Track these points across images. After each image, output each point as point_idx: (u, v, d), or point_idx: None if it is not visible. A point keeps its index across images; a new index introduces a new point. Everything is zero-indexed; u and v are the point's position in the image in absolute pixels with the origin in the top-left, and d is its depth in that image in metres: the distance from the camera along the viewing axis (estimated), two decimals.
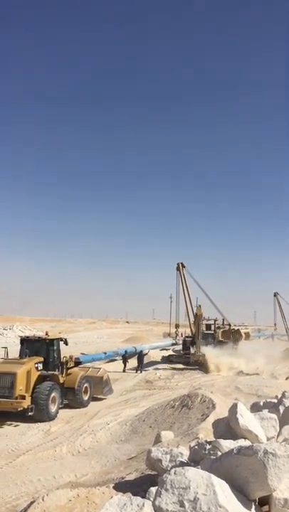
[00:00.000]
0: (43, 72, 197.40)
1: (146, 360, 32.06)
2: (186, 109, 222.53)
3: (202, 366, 31.42)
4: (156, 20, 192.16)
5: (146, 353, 33.82)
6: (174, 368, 31.19)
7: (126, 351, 32.62)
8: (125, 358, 30.45)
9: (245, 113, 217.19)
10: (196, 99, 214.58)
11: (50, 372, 17.29)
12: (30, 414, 15.50)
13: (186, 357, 33.60)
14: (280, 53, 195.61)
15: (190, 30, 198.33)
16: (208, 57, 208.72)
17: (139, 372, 28.51)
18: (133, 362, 30.61)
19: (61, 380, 17.74)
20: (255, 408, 8.95)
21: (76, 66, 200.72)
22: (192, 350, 33.73)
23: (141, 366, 29.20)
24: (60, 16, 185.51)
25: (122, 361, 30.21)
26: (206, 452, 5.31)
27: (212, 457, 4.80)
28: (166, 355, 36.61)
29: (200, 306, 35.67)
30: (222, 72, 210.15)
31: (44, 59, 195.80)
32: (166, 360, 34.73)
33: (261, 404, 9.25)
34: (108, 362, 31.71)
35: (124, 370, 29.03)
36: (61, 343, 18.74)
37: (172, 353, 37.31)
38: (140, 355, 30.43)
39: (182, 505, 3.64)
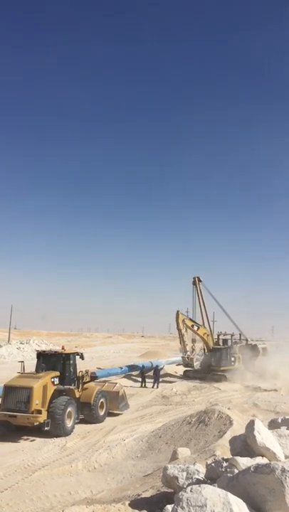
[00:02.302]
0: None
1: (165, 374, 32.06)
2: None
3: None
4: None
5: (162, 368, 33.66)
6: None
7: (143, 366, 32.50)
8: (143, 373, 30.28)
9: None
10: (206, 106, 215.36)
11: (66, 386, 17.28)
12: (46, 428, 15.47)
13: (206, 372, 33.35)
14: None
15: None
16: None
17: (155, 387, 28.30)
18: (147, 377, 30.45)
19: (77, 395, 17.71)
20: (273, 425, 8.83)
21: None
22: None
23: (157, 382, 28.97)
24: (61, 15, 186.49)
25: (140, 376, 30.04)
26: (223, 470, 5.25)
27: (229, 475, 4.74)
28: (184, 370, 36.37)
29: (178, 311, 35.45)
30: None
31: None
32: (183, 375, 34.47)
33: (279, 421, 9.12)
34: (124, 377, 31.61)
35: (142, 386, 28.81)
36: (77, 357, 18.74)
37: (189, 368, 37.01)
38: (156, 370, 30.25)
39: None
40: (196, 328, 35.83)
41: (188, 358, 35.62)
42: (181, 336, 35.68)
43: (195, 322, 36.19)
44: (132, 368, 33.62)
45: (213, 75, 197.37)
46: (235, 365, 33.76)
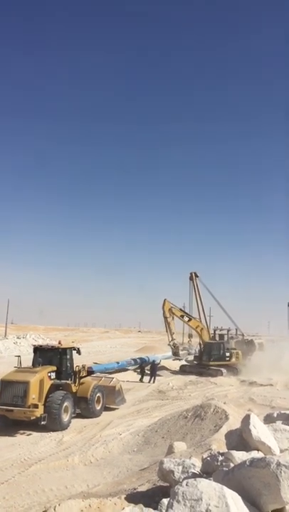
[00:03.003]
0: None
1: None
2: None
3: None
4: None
5: (159, 363, 33.74)
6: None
7: (142, 361, 32.61)
8: (142, 367, 30.28)
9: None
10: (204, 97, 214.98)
11: (62, 381, 17.30)
12: (42, 423, 15.50)
13: (201, 367, 33.43)
14: None
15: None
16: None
17: (152, 382, 28.36)
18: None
19: (74, 390, 17.73)
20: (268, 419, 8.87)
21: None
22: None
23: (154, 376, 29.02)
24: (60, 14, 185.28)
25: (139, 371, 30.11)
26: (219, 464, 5.28)
27: (224, 469, 4.77)
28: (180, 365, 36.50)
29: (165, 299, 35.99)
30: None
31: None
32: (180, 370, 34.55)
33: (275, 415, 9.17)
34: (121, 371, 31.67)
35: (141, 380, 28.82)
36: (74, 352, 18.75)
37: (185, 363, 37.15)
38: (153, 365, 30.31)
39: None
40: (186, 319, 36.03)
41: (174, 345, 36.23)
42: (167, 324, 36.09)
43: (186, 313, 36.37)
44: (140, 360, 33.85)
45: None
46: (230, 361, 33.56)
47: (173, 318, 36.03)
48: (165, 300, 35.92)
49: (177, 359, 37.05)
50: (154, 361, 31.95)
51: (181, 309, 36.58)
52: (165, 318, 36.03)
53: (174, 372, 33.96)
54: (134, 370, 31.93)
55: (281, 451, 5.79)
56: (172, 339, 36.07)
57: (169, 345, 37.08)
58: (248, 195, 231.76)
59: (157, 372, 30.21)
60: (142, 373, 29.49)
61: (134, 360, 34.29)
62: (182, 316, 36.21)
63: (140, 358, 34.88)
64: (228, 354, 33.96)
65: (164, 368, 34.88)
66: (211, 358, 33.98)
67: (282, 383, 27.82)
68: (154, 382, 28.32)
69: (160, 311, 36.73)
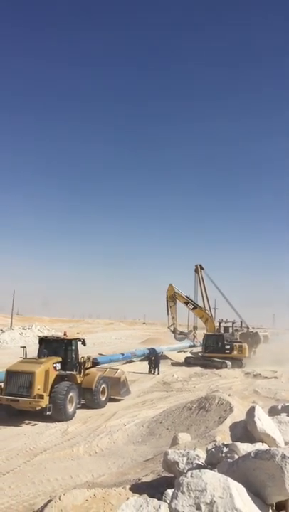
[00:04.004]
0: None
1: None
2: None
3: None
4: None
5: (161, 354, 33.89)
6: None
7: (150, 352, 32.72)
8: (150, 359, 30.25)
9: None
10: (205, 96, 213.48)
11: (68, 372, 17.39)
12: (48, 413, 15.62)
13: (205, 359, 33.46)
14: None
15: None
16: None
17: (156, 373, 28.42)
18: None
19: (79, 381, 17.82)
20: (273, 412, 8.88)
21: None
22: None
23: (157, 368, 29.05)
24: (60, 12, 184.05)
25: (148, 362, 30.08)
26: (223, 455, 5.28)
27: (229, 460, 4.78)
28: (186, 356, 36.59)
29: (171, 284, 36.90)
30: None
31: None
32: (184, 362, 34.63)
33: (279, 407, 9.17)
34: (126, 363, 31.79)
35: (150, 372, 28.78)
36: (79, 343, 18.82)
37: (190, 355, 37.24)
38: (156, 357, 30.37)
39: (198, 507, 3.63)
40: (191, 306, 36.34)
41: (174, 330, 37.40)
42: (169, 308, 36.82)
43: (192, 301, 36.58)
44: (152, 351, 34.12)
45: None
46: (231, 354, 33.37)
47: (175, 303, 36.55)
48: (171, 285, 36.54)
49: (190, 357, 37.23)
50: (156, 352, 32.06)
51: (187, 296, 36.82)
52: (168, 302, 36.71)
53: (179, 364, 34.04)
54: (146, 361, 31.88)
55: (286, 443, 5.79)
56: (173, 324, 37.02)
57: (168, 328, 37.98)
58: (254, 191, 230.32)
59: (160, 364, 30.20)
60: (151, 365, 29.43)
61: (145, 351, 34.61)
62: (186, 303, 36.51)
63: (151, 349, 35.18)
64: (228, 347, 33.80)
65: (168, 358, 35.12)
66: (210, 349, 34.13)
67: (287, 376, 27.82)
68: (158, 373, 28.36)
69: (165, 302, 37.12)
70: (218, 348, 33.84)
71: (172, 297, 36.56)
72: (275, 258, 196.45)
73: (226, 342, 34.11)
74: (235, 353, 33.43)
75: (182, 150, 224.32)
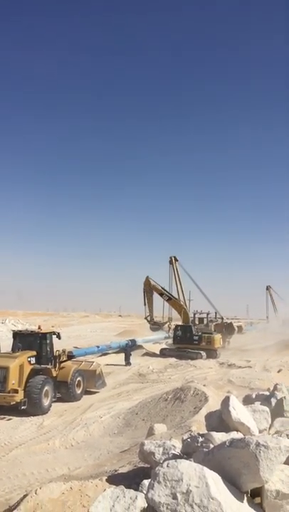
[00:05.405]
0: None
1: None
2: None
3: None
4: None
5: (132, 346, 34.10)
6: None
7: (127, 344, 32.81)
8: (126, 351, 30.28)
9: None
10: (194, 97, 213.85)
11: (43, 366, 17.27)
12: (23, 408, 15.50)
13: (180, 350, 33.68)
14: None
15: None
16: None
17: (127, 365, 28.45)
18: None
19: (54, 374, 17.74)
20: (247, 401, 9.03)
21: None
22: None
23: (128, 359, 29.04)
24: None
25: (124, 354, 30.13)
26: (199, 445, 5.33)
27: (204, 450, 4.82)
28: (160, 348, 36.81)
29: (148, 276, 37.44)
30: None
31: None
32: (160, 353, 34.82)
33: (253, 396, 9.34)
34: (101, 355, 31.76)
35: (127, 364, 28.79)
36: (54, 336, 18.71)
37: (165, 346, 37.50)
38: (127, 348, 30.48)
39: (175, 497, 3.66)
40: (166, 298, 36.72)
41: (151, 320, 37.85)
42: (146, 298, 37.29)
43: (167, 292, 36.93)
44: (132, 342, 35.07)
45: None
46: (199, 345, 33.57)
47: (152, 295, 37.05)
48: (147, 277, 37.02)
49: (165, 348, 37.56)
50: (127, 344, 32.15)
51: (162, 288, 37.11)
52: (145, 293, 37.11)
53: (155, 356, 34.20)
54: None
55: (260, 431, 5.90)
56: (148, 314, 37.53)
57: (145, 318, 38.39)
58: (228, 182, 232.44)
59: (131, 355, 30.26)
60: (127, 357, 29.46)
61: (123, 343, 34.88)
62: (162, 295, 36.82)
63: (131, 340, 35.94)
64: (196, 337, 34.08)
65: (141, 348, 35.61)
66: (178, 340, 34.52)
67: (260, 365, 28.29)
68: (130, 364, 28.40)
69: (140, 294, 37.40)
70: (187, 339, 34.16)
71: (149, 289, 36.92)
72: (249, 250, 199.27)
73: (194, 333, 34.39)
74: (203, 344, 33.61)
75: (150, 142, 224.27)
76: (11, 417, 15.40)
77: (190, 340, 34.04)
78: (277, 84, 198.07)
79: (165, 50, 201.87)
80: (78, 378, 18.58)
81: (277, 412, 7.29)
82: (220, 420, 5.76)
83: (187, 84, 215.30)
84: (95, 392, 19.85)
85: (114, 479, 6.46)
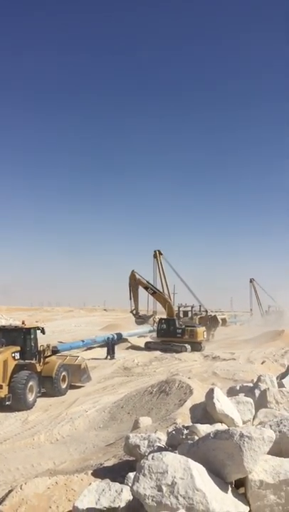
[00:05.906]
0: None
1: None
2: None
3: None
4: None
5: (115, 339, 34.14)
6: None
7: (110, 338, 32.77)
8: (111, 344, 30.29)
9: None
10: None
11: (27, 361, 17.17)
12: (7, 403, 15.42)
13: (165, 343, 33.80)
14: None
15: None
16: None
17: (110, 358, 28.49)
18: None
19: (38, 369, 17.66)
20: (231, 392, 9.11)
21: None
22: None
23: (111, 353, 29.09)
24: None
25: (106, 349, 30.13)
26: (184, 437, 5.37)
27: (189, 442, 4.85)
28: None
29: (133, 270, 37.81)
30: None
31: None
32: (145, 347, 34.90)
33: (237, 388, 9.43)
34: (86, 350, 31.70)
35: (111, 358, 28.85)
36: (38, 331, 18.62)
37: (150, 339, 37.61)
38: (111, 342, 30.51)
39: (160, 489, 3.68)
40: (151, 291, 36.93)
41: (136, 314, 38.15)
42: (132, 292, 37.55)
43: (152, 286, 37.09)
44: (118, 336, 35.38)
45: None
46: (182, 338, 33.74)
47: (137, 289, 37.35)
48: (132, 271, 37.25)
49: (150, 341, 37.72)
50: (109, 338, 32.11)
51: (147, 282, 37.22)
52: (130, 287, 37.31)
53: (140, 349, 34.27)
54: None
55: (244, 422, 5.95)
56: (134, 308, 37.81)
57: (131, 312, 38.56)
58: (214, 174, 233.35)
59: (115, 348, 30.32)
60: (112, 350, 29.49)
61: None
62: (146, 288, 36.96)
63: (118, 334, 36.20)
64: (179, 331, 34.25)
65: (126, 341, 35.83)
66: (161, 334, 34.76)
67: (244, 357, 28.58)
68: (113, 358, 28.46)
69: (125, 289, 37.59)
70: (171, 332, 34.32)
71: (134, 283, 37.06)
72: (233, 243, 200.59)
73: (178, 326, 34.56)
74: (186, 337, 33.78)
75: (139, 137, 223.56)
76: None
77: (173, 333, 34.23)
78: (278, 84, 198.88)
79: (165, 50, 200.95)
80: (63, 373, 18.53)
81: (261, 403, 7.36)
82: (204, 412, 5.79)
83: (187, 84, 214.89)
84: (80, 387, 19.83)
85: (100, 473, 6.48)
